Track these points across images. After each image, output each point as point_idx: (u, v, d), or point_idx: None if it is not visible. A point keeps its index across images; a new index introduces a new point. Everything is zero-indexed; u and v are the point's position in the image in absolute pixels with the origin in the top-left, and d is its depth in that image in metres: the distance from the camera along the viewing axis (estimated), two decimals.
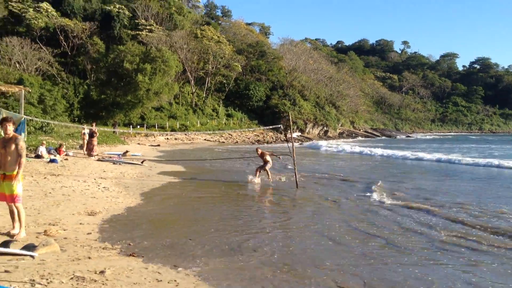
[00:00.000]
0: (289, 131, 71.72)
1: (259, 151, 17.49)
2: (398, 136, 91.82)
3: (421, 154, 31.84)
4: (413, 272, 6.20)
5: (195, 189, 14.30)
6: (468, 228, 8.83)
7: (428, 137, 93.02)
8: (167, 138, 49.11)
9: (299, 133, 72.22)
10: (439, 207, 11.00)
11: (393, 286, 5.67)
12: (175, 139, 49.96)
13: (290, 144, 17.28)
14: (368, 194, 13.17)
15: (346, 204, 11.77)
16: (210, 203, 11.46)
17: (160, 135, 47.97)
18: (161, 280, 5.39)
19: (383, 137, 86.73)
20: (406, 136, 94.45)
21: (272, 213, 10.84)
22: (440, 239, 7.99)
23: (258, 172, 16.76)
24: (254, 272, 5.98)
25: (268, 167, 16.88)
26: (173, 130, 52.99)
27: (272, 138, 63.41)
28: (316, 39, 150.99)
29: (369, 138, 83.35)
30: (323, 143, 52.50)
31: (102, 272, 5.40)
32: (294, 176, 15.51)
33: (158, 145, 41.28)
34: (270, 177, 16.76)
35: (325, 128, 79.54)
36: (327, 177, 18.40)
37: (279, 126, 29.74)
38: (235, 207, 11.09)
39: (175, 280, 5.43)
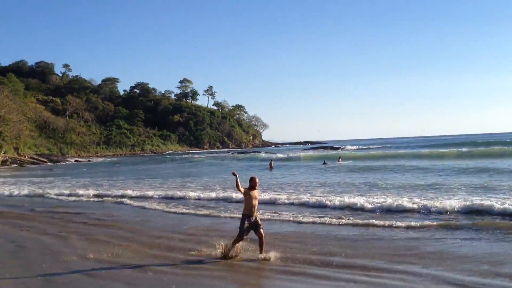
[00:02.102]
0: None
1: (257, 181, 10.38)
2: (67, 161, 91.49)
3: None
4: None
5: None
6: None
7: (96, 160, 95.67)
8: None
9: None
10: None
11: None
12: None
13: None
14: None
15: None
16: None
17: None
18: None
19: (50, 164, 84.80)
20: (75, 161, 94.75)
21: None
22: None
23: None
24: None
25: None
26: None
27: None
28: None
29: (36, 165, 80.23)
30: None
31: None
32: None
33: None
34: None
35: None
36: None
37: None
38: None
39: None
